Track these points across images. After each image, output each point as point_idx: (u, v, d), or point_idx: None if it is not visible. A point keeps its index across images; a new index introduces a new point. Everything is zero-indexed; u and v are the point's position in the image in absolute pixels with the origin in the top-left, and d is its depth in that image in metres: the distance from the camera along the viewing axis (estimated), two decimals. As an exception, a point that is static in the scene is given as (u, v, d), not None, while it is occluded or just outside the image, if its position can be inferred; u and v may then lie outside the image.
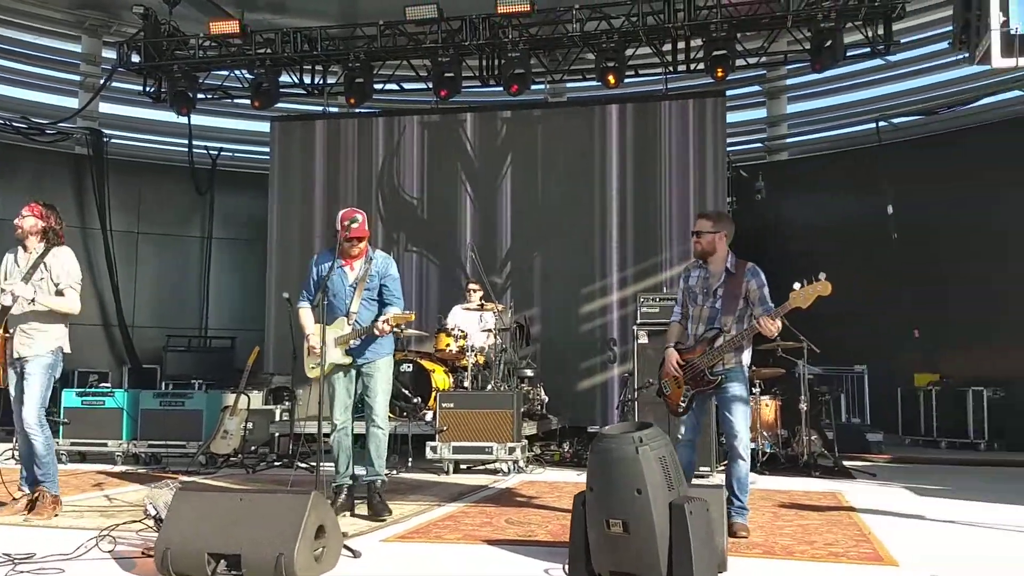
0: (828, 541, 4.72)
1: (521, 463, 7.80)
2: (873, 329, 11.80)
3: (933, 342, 11.43)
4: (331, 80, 11.59)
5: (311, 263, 5.85)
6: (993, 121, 11.81)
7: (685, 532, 2.96)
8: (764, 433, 8.20)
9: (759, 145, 14.23)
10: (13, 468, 6.05)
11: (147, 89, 11.41)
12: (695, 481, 5.28)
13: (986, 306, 11.11)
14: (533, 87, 10.91)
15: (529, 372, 9.34)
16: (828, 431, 8.52)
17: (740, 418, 4.87)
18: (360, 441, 5.71)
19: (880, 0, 9.21)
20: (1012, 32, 4.43)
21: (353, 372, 5.65)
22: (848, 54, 9.89)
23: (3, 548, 4.27)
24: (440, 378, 8.89)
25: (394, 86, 11.80)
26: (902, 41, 10.99)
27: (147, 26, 10.96)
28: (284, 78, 11.26)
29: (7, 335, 5.33)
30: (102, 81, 12.61)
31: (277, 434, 8.72)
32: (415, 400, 8.59)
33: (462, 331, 8.94)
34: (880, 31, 9.60)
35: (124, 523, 4.96)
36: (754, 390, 8.25)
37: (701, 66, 10.25)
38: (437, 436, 7.77)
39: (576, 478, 7.27)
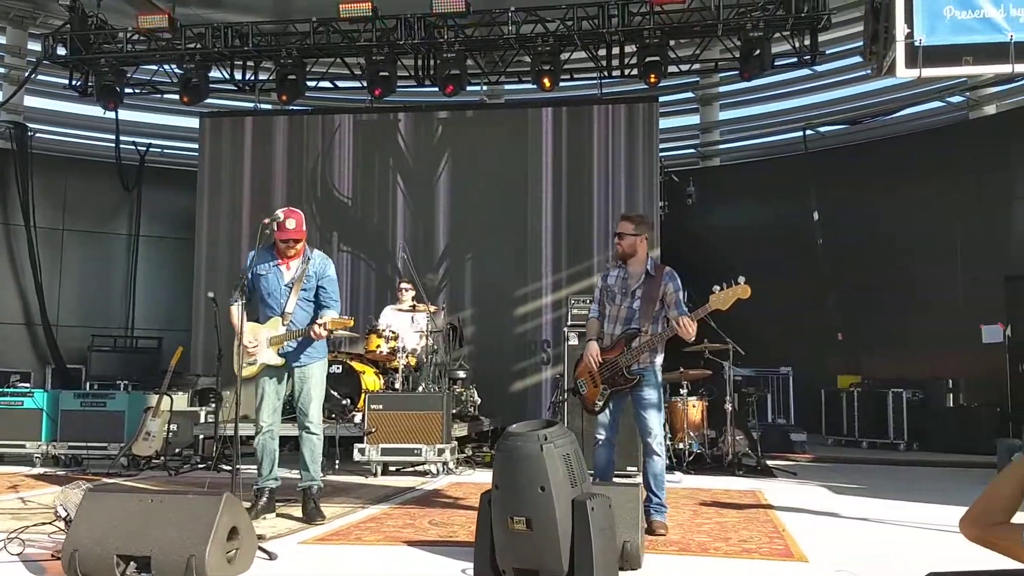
0: (743, 538, 4.83)
1: (451, 464, 7.79)
2: (798, 332, 12.11)
3: (856, 345, 11.77)
4: (263, 76, 11.44)
5: (247, 260, 5.71)
6: (912, 132, 12.23)
7: (587, 528, 3.01)
8: (691, 433, 8.33)
9: (692, 151, 14.48)
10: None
11: (73, 83, 11.12)
12: (618, 480, 5.34)
13: (906, 310, 11.49)
14: (470, 88, 10.94)
15: (461, 374, 9.34)
16: (754, 431, 8.70)
17: (654, 416, 4.98)
18: (288, 444, 5.63)
19: (807, 11, 9.44)
20: (916, 43, 4.58)
21: (285, 374, 5.56)
22: (776, 63, 10.14)
23: (-98, 553, 4.13)
24: (370, 380, 8.83)
25: (328, 84, 11.71)
26: (828, 52, 11.30)
27: (74, 18, 10.70)
28: (214, 73, 11.09)
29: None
30: (27, 74, 12.24)
31: (201, 436, 8.57)
32: (344, 402, 8.51)
33: (394, 332, 8.91)
34: (807, 41, 9.84)
35: (35, 525, 4.82)
36: (681, 391, 8.39)
37: (635, 72, 10.39)
38: (365, 438, 7.71)
39: (504, 479, 7.27)
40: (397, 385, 8.46)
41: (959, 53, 4.90)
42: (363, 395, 8.35)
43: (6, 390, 8.63)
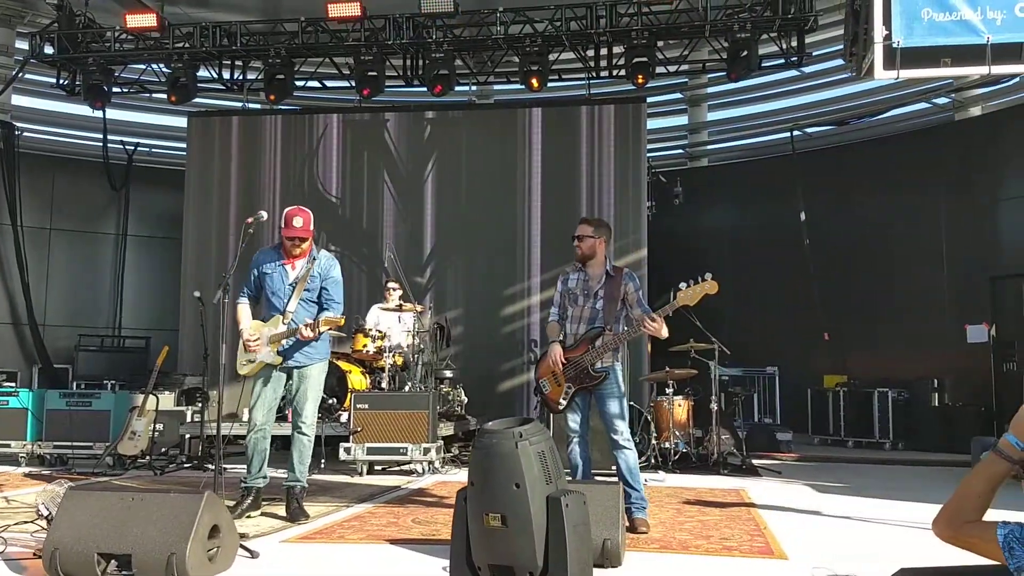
0: (724, 536, 4.86)
1: (437, 464, 7.80)
2: (785, 331, 12.16)
3: (842, 345, 11.82)
4: (251, 76, 11.45)
5: (253, 259, 5.67)
6: (899, 133, 12.30)
7: (561, 525, 3.03)
8: (676, 432, 8.34)
9: (680, 151, 14.53)
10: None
11: (61, 82, 11.12)
12: (600, 479, 5.36)
13: (892, 310, 11.56)
14: (458, 88, 10.95)
15: (448, 373, 9.34)
16: (739, 430, 8.73)
17: (618, 412, 5.08)
18: (277, 443, 5.62)
19: (793, 13, 9.50)
20: (894, 45, 4.62)
21: (283, 373, 5.53)
22: (763, 64, 10.18)
23: None
24: (357, 379, 8.84)
25: (316, 84, 11.71)
26: (815, 54, 11.37)
27: (62, 17, 10.71)
28: (202, 73, 11.09)
29: None
30: (14, 72, 12.20)
31: (187, 436, 8.56)
32: (330, 401, 8.51)
33: (380, 331, 8.91)
34: (794, 43, 9.90)
35: (17, 524, 4.83)
36: (667, 390, 8.42)
37: (623, 72, 10.43)
38: (351, 437, 7.72)
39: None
40: (384, 384, 8.46)
41: (937, 55, 4.95)
42: (349, 394, 8.35)
43: (-9, 389, 8.61)
